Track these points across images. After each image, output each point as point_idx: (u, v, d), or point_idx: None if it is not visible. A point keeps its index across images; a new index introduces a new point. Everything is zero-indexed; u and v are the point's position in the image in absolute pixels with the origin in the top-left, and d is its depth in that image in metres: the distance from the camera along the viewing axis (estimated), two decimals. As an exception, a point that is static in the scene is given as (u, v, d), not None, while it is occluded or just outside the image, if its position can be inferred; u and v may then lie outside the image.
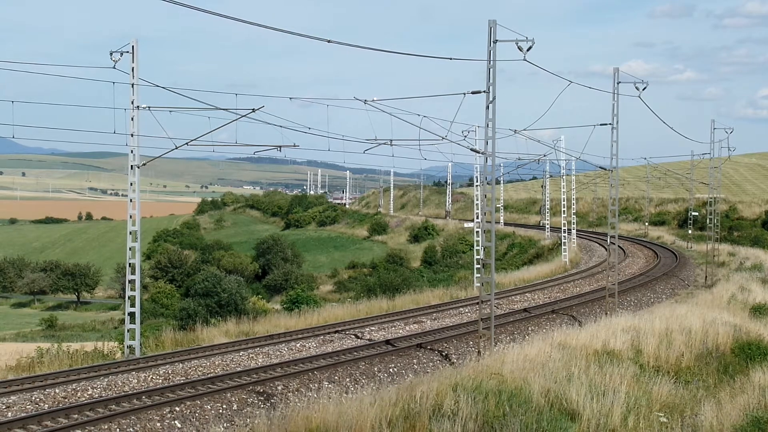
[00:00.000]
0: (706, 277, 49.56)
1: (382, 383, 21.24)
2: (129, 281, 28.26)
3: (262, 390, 20.32)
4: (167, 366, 23.31)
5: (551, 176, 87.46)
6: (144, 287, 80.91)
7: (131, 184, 28.16)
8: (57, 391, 20.06)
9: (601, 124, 34.59)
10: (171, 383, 20.77)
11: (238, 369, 22.68)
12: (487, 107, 23.15)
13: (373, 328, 31.12)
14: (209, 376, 21.56)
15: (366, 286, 65.40)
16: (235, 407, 19.11)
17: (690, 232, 79.13)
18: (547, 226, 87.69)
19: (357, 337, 28.92)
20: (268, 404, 19.38)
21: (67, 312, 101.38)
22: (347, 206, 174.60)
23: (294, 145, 29.25)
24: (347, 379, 22.17)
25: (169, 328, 36.28)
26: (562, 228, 68.33)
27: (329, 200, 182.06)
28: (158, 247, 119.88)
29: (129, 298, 28.18)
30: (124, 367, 23.50)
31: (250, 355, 25.06)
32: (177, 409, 18.39)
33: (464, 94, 25.30)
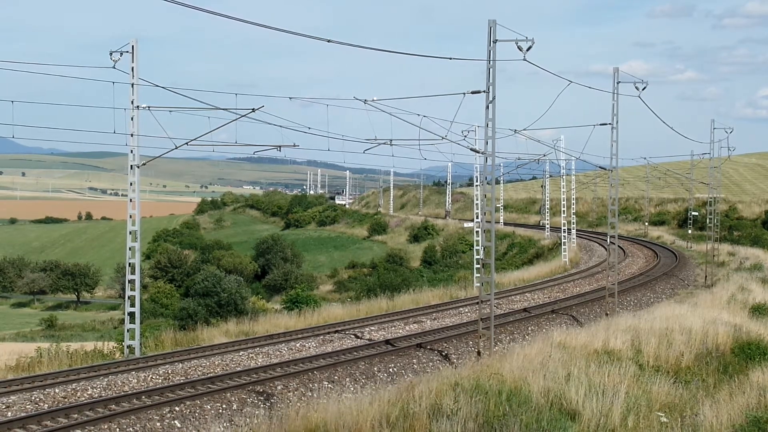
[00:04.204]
0: (705, 277, 49.55)
1: (382, 383, 21.24)
2: (129, 281, 28.25)
3: (261, 390, 20.32)
4: (167, 366, 23.30)
5: (551, 176, 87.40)
6: (144, 287, 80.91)
7: (131, 183, 28.15)
8: (57, 390, 20.05)
9: (600, 124, 34.58)
10: (171, 383, 20.76)
11: (238, 369, 22.68)
12: (487, 107, 23.15)
13: (372, 328, 31.11)
14: (209, 375, 21.56)
15: (366, 285, 65.44)
16: (234, 407, 19.11)
17: (690, 231, 79.14)
18: (546, 226, 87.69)
19: (357, 336, 28.91)
20: (268, 404, 19.39)
21: (66, 312, 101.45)
22: (346, 206, 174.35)
23: (294, 145, 29.26)
24: (347, 379, 22.16)
25: (169, 328, 36.28)
26: (562, 228, 68.32)
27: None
28: (158, 247, 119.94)
29: (129, 297, 28.18)
30: (124, 367, 23.49)
31: (250, 355, 25.05)
32: (177, 408, 18.38)
33: (464, 94, 25.30)
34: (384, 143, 29.84)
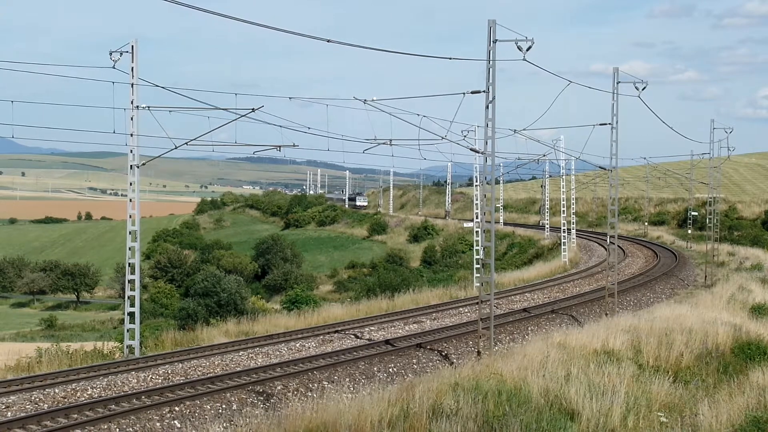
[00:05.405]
0: (705, 277, 49.56)
1: (382, 383, 21.23)
2: (128, 281, 28.26)
3: (261, 390, 20.32)
4: (167, 366, 23.31)
5: (551, 176, 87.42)
6: (144, 287, 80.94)
7: (131, 183, 28.16)
8: (56, 391, 20.05)
9: (600, 124, 34.56)
10: (170, 383, 20.77)
11: (238, 369, 22.68)
12: (487, 107, 23.15)
13: (372, 328, 31.11)
14: (209, 376, 21.56)
15: (365, 286, 65.41)
16: (234, 407, 19.11)
17: (689, 231, 79.15)
18: (546, 226, 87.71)
19: (356, 337, 28.92)
20: (268, 404, 19.38)
21: (66, 312, 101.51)
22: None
23: (293, 145, 29.27)
24: (347, 379, 22.15)
25: (169, 328, 36.29)
26: (562, 228, 68.33)
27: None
28: (158, 247, 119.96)
29: (128, 297, 28.19)
30: (124, 367, 23.49)
31: (250, 355, 25.06)
32: (176, 408, 18.38)
33: (464, 93, 25.31)
34: (384, 143, 29.86)
